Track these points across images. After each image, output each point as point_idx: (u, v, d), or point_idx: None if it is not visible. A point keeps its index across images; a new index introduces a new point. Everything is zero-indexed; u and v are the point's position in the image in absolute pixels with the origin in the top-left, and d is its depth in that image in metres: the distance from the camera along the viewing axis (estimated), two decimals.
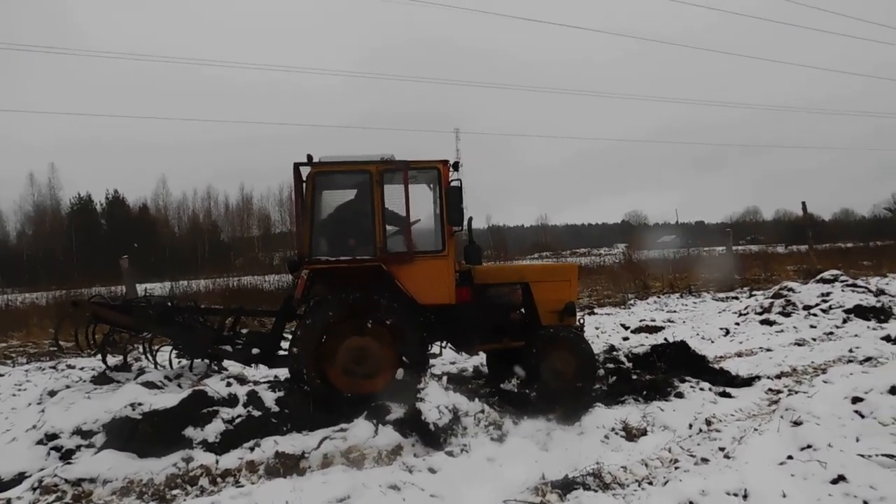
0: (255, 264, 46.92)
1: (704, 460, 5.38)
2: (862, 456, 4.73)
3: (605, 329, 13.51)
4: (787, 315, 12.64)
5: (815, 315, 12.37)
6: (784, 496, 4.41)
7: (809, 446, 5.10)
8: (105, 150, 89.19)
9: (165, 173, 79.55)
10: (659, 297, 19.95)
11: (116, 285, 21.44)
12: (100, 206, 62.05)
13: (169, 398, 6.08)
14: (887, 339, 10.17)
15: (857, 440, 5.23)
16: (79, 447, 5.72)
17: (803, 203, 23.86)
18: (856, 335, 10.86)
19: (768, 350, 10.36)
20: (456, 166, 7.54)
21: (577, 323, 8.12)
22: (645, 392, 7.22)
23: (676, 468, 5.16)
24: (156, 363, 7.79)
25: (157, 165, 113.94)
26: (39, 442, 5.81)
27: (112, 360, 7.51)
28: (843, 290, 13.14)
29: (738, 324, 13.00)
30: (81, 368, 9.87)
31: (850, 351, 9.57)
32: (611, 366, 8.21)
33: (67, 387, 6.96)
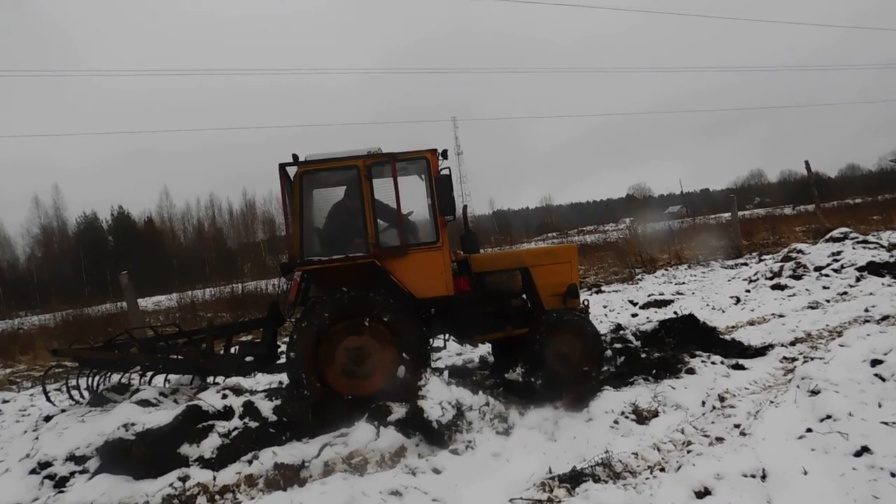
0: (263, 268, 46.83)
1: (719, 439, 5.15)
2: (885, 423, 4.49)
3: (612, 307, 13.24)
4: (799, 278, 12.34)
5: (826, 276, 12.06)
6: (805, 473, 4.18)
7: (829, 416, 4.87)
8: (106, 167, 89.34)
9: (167, 185, 79.62)
10: (667, 269, 19.64)
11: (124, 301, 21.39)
12: (105, 224, 62.21)
13: (163, 415, 5.87)
14: None
15: (880, 406, 5.00)
16: (72, 474, 5.53)
17: (806, 162, 23.67)
18: (871, 293, 10.56)
19: (781, 316, 10.06)
20: (445, 154, 7.30)
21: (582, 304, 7.89)
22: (654, 371, 6.94)
23: (689, 451, 4.90)
24: (150, 381, 7.63)
25: (157, 178, 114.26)
26: (33, 471, 5.63)
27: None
28: (854, 248, 12.86)
29: (748, 291, 12.70)
30: (85, 388, 9.75)
31: (866, 310, 9.27)
32: (618, 346, 7.96)
33: (63, 411, 6.78)
